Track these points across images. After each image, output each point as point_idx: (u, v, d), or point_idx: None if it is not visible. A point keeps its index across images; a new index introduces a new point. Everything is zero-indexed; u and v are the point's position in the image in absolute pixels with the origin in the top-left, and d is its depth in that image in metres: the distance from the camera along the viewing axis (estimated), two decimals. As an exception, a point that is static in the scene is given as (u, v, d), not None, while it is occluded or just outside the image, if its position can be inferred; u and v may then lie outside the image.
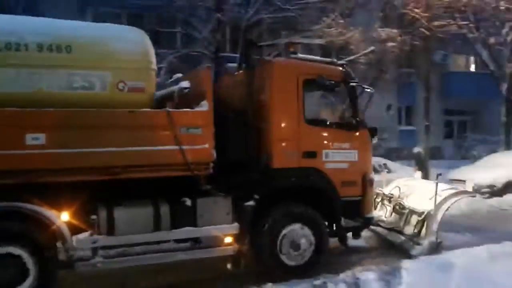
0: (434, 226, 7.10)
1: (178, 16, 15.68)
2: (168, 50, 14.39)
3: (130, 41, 5.99)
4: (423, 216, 7.26)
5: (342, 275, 5.92)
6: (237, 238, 6.30)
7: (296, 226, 6.49)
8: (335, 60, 7.97)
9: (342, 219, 6.90)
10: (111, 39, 5.91)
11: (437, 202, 7.16)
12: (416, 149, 15.97)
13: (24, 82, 5.42)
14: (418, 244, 7.17)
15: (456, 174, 13.67)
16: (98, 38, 5.87)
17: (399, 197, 8.06)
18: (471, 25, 17.73)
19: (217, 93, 6.37)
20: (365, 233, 7.74)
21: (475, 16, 17.57)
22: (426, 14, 16.14)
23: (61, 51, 5.57)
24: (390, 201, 8.22)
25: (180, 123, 5.81)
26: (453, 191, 7.62)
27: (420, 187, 8.12)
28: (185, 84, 6.14)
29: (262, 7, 14.36)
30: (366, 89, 7.27)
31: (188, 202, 6.04)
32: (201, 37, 14.88)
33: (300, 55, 7.39)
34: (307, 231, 6.54)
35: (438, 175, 7.51)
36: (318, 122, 6.86)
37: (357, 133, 7.08)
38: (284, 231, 6.42)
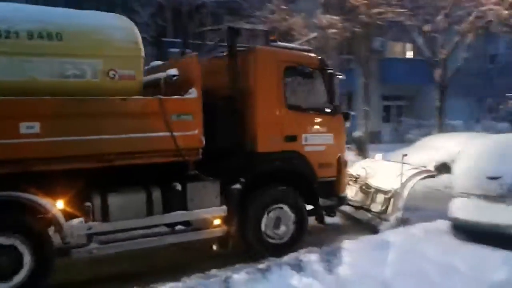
0: (400, 203, 7.62)
1: (118, -1, 15.24)
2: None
3: (120, 29, 5.95)
4: (389, 194, 7.78)
5: (285, 258, 6.03)
6: (225, 220, 6.51)
7: (279, 207, 6.80)
8: (311, 48, 8.28)
9: (320, 198, 7.24)
10: (102, 27, 5.85)
11: (402, 181, 7.68)
12: (356, 133, 16.48)
13: (15, 71, 5.31)
14: (386, 220, 7.65)
15: (393, 157, 14.20)
16: (88, 26, 5.81)
17: (365, 177, 8.54)
18: (407, 12, 18.33)
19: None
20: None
21: (411, 3, 18.18)
22: (366, 1, 16.54)
23: (52, 39, 5.48)
24: (356, 182, 8.66)
25: (171, 110, 5.90)
26: (417, 170, 8.14)
27: (384, 168, 8.59)
28: (173, 71, 6.21)
29: (205, -9, 14.22)
30: (338, 76, 7.59)
31: (179, 187, 6.17)
32: (141, 21, 14.50)
33: (280, 43, 7.63)
34: (288, 211, 6.86)
35: (404, 155, 8.01)
36: (297, 108, 7.07)
37: (333, 118, 7.42)
38: (267, 212, 6.72)
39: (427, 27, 18.62)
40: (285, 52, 7.34)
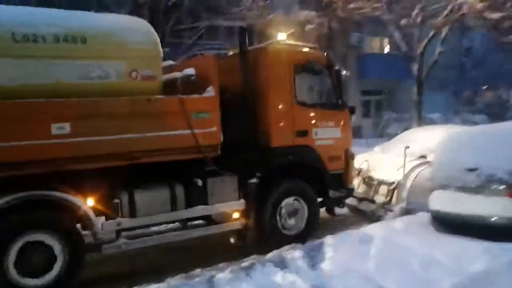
0: (404, 194, 7.90)
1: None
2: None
3: (139, 31, 6.20)
4: (393, 185, 8.09)
5: (269, 255, 6.04)
6: (243, 213, 6.80)
7: (293, 199, 7.12)
8: (316, 46, 8.65)
9: (330, 190, 7.56)
10: (122, 29, 6.07)
11: (405, 172, 7.97)
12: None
13: (42, 74, 5.48)
14: (391, 210, 7.98)
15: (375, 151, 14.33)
16: (110, 28, 6.02)
17: (367, 170, 8.81)
18: (384, 7, 18.48)
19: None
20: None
21: (388, -1, 18.33)
22: (343, -3, 16.62)
23: (76, 42, 5.66)
24: (358, 174, 8.91)
25: (191, 108, 6.18)
26: (418, 161, 8.37)
27: (386, 161, 8.84)
28: (191, 71, 6.48)
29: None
30: (339, 72, 7.90)
31: (199, 182, 6.44)
32: (117, 19, 14.32)
33: (288, 41, 7.99)
34: (302, 203, 7.20)
35: (406, 147, 8.17)
36: (307, 103, 7.38)
37: (340, 112, 7.78)
38: (282, 204, 7.02)
39: (403, 22, 18.80)
40: (294, 50, 7.69)
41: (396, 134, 16.43)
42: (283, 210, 7.04)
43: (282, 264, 5.65)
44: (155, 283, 5.42)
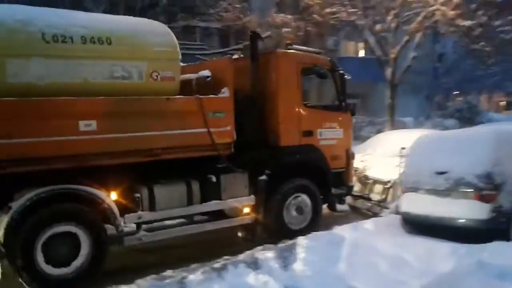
0: (399, 192, 7.91)
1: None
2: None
3: (160, 34, 6.54)
4: (389, 184, 8.45)
5: (241, 256, 6.03)
6: (254, 208, 7.14)
7: (299, 196, 7.48)
8: (321, 50, 9.04)
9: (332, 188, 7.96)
10: (144, 32, 6.39)
11: (401, 172, 8.03)
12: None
13: (70, 73, 5.72)
14: (386, 208, 8.40)
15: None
16: (133, 31, 6.32)
17: (363, 169, 9.13)
18: (359, 12, 18.72)
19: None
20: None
21: (363, 4, 18.58)
22: (319, 1, 16.77)
23: (102, 43, 5.92)
24: (354, 173, 9.05)
25: (207, 108, 6.50)
26: None
27: (380, 161, 9.10)
28: (206, 73, 6.79)
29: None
30: (346, 76, 8.36)
31: (213, 178, 6.80)
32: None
33: (296, 46, 8.28)
34: (307, 200, 7.56)
35: (402, 148, 8.38)
36: (313, 105, 7.93)
37: (343, 114, 8.20)
38: (289, 201, 7.39)
39: (378, 27, 19.07)
40: (302, 54, 8.02)
41: (369, 137, 16.72)
42: (290, 206, 7.39)
43: (254, 265, 5.67)
44: (124, 284, 5.36)
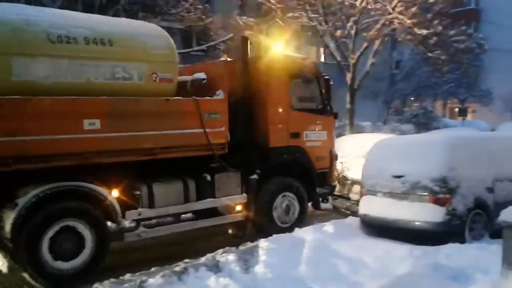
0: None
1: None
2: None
3: (160, 37, 6.76)
4: None
5: (203, 259, 5.97)
6: (245, 206, 7.46)
7: (287, 195, 7.82)
8: (306, 57, 9.53)
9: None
10: (145, 35, 6.60)
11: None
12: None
13: (74, 73, 5.87)
14: None
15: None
16: (134, 33, 6.52)
17: (342, 170, 9.45)
18: (320, 18, 19.00)
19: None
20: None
21: (324, 9, 18.86)
22: (281, 5, 16.91)
23: (104, 44, 6.08)
24: None
25: (203, 109, 6.77)
26: None
27: (358, 162, 9.02)
28: (202, 75, 7.16)
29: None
30: (328, 81, 8.71)
31: (208, 177, 7.06)
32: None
33: (284, 52, 8.66)
34: (294, 198, 7.90)
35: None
36: (299, 108, 8.12)
37: (327, 117, 8.55)
38: (278, 199, 7.72)
39: (338, 33, 19.40)
40: (290, 60, 8.44)
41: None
42: (279, 204, 7.72)
43: (215, 268, 5.64)
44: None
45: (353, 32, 19.38)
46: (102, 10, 13.42)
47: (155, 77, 6.48)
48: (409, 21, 17.96)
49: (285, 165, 7.90)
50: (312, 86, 8.42)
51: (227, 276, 5.39)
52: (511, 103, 36.36)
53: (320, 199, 8.60)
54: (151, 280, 5.23)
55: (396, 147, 7.45)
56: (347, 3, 18.78)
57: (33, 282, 5.66)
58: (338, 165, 9.48)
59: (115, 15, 13.65)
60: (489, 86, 35.99)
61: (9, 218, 5.47)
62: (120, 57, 6.22)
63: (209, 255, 6.07)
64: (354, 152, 9.39)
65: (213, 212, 7.43)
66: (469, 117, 36.24)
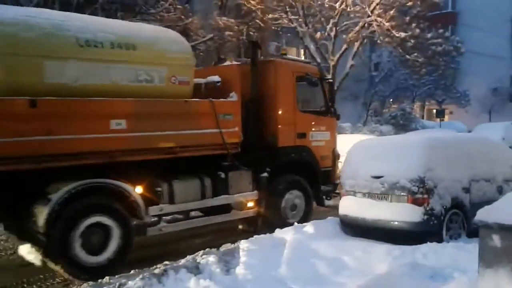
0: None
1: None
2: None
3: (178, 42, 7.19)
4: None
5: (183, 261, 5.92)
6: (256, 202, 7.89)
7: (294, 192, 8.26)
8: (310, 60, 10.01)
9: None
10: (164, 39, 7.00)
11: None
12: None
13: (101, 75, 6.20)
14: None
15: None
16: (155, 38, 6.91)
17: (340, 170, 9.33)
18: (300, 19, 19.10)
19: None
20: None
21: (303, 11, 18.97)
22: (261, 6, 16.94)
23: (128, 49, 6.43)
24: None
25: (219, 110, 7.18)
26: None
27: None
28: (216, 78, 7.57)
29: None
30: (329, 81, 9.36)
31: (222, 175, 7.46)
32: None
33: (289, 56, 9.11)
34: (301, 195, 8.37)
35: None
36: (305, 110, 8.58)
37: (330, 118, 9.04)
38: (286, 196, 8.17)
39: (318, 35, 19.53)
40: (296, 63, 8.93)
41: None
42: (286, 201, 8.16)
43: (196, 270, 5.60)
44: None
45: (332, 34, 19.55)
46: (80, 9, 13.22)
47: (174, 80, 6.87)
48: (387, 24, 18.21)
49: (293, 163, 8.31)
50: (316, 88, 8.79)
51: (208, 278, 5.36)
52: (487, 105, 37.14)
53: (324, 196, 9.00)
54: (130, 283, 5.17)
55: (375, 148, 7.52)
56: (326, 5, 18.93)
57: (65, 275, 5.97)
58: (340, 164, 9.67)
59: (93, 14, 13.48)
60: (466, 88, 36.68)
61: (43, 213, 5.72)
62: (142, 61, 6.58)
63: (189, 257, 6.03)
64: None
65: (221, 209, 7.78)
66: (446, 118, 36.82)
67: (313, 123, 8.68)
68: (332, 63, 19.63)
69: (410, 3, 19.64)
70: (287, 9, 18.86)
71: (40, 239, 5.87)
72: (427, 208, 6.42)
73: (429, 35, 28.00)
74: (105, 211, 6.12)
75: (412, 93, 34.42)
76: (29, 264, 6.47)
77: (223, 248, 6.44)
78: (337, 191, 9.44)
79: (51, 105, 5.69)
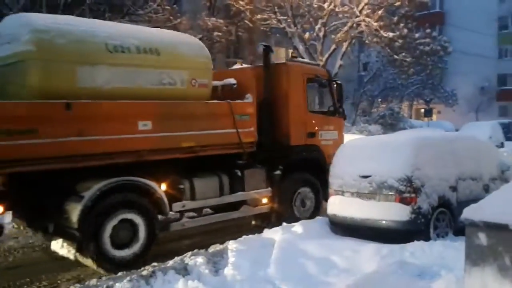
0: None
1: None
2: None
3: (197, 47, 7.63)
4: None
5: (171, 262, 5.91)
6: (270, 198, 8.29)
7: (305, 188, 8.63)
8: (319, 63, 10.25)
9: None
10: (185, 45, 7.44)
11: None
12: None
13: (128, 79, 6.56)
14: None
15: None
16: (176, 43, 7.33)
17: None
18: (289, 20, 19.14)
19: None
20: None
21: (292, 12, 19.01)
22: (249, 7, 16.94)
23: (153, 54, 6.82)
24: None
25: (236, 111, 7.59)
26: None
27: None
28: (232, 80, 8.06)
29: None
30: (338, 83, 9.71)
31: (239, 173, 7.88)
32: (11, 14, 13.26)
33: (299, 59, 9.70)
34: (310, 192, 8.74)
35: None
36: (315, 110, 9.08)
37: (337, 118, 9.48)
38: (297, 192, 8.57)
39: (306, 35, 19.58)
40: (307, 66, 9.45)
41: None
42: (298, 197, 8.55)
43: (184, 271, 5.59)
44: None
45: (321, 34, 19.61)
46: (67, 10, 13.11)
47: (194, 83, 7.26)
48: (375, 24, 18.30)
49: (304, 161, 8.68)
50: (325, 90, 9.25)
51: (196, 279, 5.33)
52: (474, 104, 37.53)
53: None
54: (118, 285, 5.14)
55: (363, 147, 7.54)
56: (315, 6, 18.99)
57: (97, 269, 6.22)
58: None
59: (81, 15, 13.39)
60: (453, 87, 37.03)
61: (76, 209, 6.01)
62: (166, 65, 6.94)
63: (177, 258, 6.02)
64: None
65: (232, 206, 8.06)
66: (434, 117, 37.11)
67: (322, 123, 9.09)
68: (321, 63, 19.67)
69: (398, 3, 19.76)
70: (276, 10, 18.89)
71: (74, 234, 6.09)
72: (415, 207, 6.45)
73: (416, 35, 28.24)
74: (133, 208, 6.42)
75: (400, 92, 34.65)
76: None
77: (212, 249, 6.43)
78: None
79: (84, 107, 6.04)
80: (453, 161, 7.02)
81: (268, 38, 22.30)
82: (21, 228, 7.13)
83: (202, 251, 6.36)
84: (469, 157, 7.30)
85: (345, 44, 20.18)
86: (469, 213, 3.98)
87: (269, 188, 8.26)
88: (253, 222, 8.51)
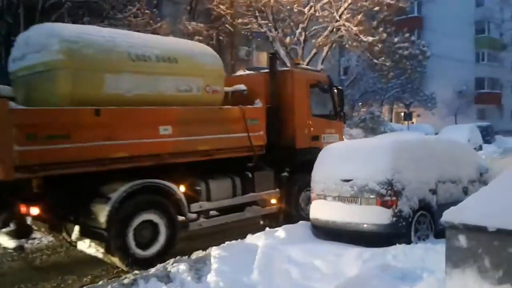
0: None
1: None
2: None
3: (211, 55, 8.05)
4: None
5: (153, 270, 5.84)
6: (279, 199, 8.71)
7: (309, 189, 8.28)
8: (320, 69, 10.87)
9: None
10: (200, 53, 7.86)
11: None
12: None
13: (149, 86, 6.94)
14: None
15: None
16: (192, 52, 7.76)
17: None
18: (270, 24, 19.19)
19: None
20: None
21: (273, 16, 19.06)
22: (230, 11, 16.94)
23: (171, 62, 7.20)
24: None
25: (247, 116, 8.03)
26: None
27: None
28: (242, 87, 8.59)
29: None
30: (338, 89, 10.21)
31: (250, 175, 8.26)
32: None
33: (302, 65, 10.23)
34: None
35: None
36: (318, 114, 9.47)
37: (338, 122, 10.00)
38: (303, 193, 8.89)
39: (287, 39, 19.65)
40: (309, 72, 10.02)
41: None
42: (303, 198, 8.87)
43: (166, 278, 5.53)
44: None
45: (302, 38, 19.71)
46: (45, 14, 12.92)
47: (209, 89, 7.65)
48: (355, 28, 18.48)
49: (308, 163, 8.65)
50: (326, 95, 9.66)
51: (179, 286, 5.30)
52: (453, 107, 38.11)
53: None
54: (98, 294, 5.05)
55: (344, 151, 7.58)
56: (295, 10, 19.09)
57: (123, 267, 6.42)
58: None
59: (59, 19, 13.20)
60: (432, 91, 37.57)
61: (104, 210, 6.27)
62: (183, 72, 7.34)
63: (159, 266, 5.94)
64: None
65: (239, 207, 8.32)
66: (414, 121, 37.56)
67: (324, 126, 9.57)
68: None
69: (377, 8, 20.00)
70: (257, 14, 18.93)
71: (102, 234, 6.31)
72: (396, 210, 6.50)
73: (396, 39, 28.61)
74: (155, 209, 6.72)
75: (380, 96, 35.04)
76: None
77: (194, 255, 6.38)
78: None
79: (111, 113, 6.39)
80: (432, 164, 7.10)
81: (249, 42, 22.36)
82: (42, 230, 7.25)
83: (185, 257, 6.29)
84: (449, 160, 7.39)
85: (325, 49, 20.32)
86: (449, 215, 4.01)
87: (277, 189, 8.66)
88: (261, 222, 8.82)
